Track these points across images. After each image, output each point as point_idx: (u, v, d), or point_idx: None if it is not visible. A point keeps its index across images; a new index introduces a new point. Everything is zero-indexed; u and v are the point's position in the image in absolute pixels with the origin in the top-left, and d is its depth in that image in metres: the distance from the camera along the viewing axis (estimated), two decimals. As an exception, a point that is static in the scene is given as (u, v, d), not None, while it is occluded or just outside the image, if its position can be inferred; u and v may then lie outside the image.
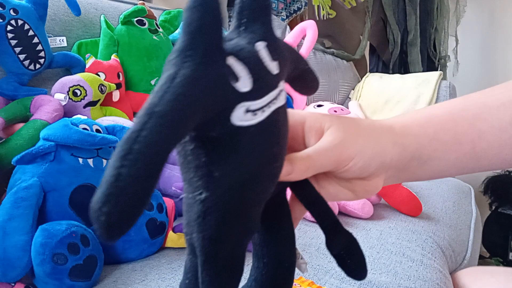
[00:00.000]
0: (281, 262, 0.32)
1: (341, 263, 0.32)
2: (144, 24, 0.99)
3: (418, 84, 1.38)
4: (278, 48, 0.27)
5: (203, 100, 0.22)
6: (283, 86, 0.28)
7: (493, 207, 1.82)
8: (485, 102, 0.31)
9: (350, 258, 0.32)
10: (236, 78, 0.24)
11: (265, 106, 0.26)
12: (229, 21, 1.86)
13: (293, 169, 0.29)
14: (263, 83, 0.26)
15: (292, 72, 0.31)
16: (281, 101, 0.27)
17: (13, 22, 0.76)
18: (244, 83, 0.24)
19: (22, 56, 0.78)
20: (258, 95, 0.25)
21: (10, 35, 0.76)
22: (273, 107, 0.26)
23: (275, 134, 0.27)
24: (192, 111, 0.22)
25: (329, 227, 0.32)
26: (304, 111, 0.32)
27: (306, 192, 0.32)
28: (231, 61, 0.24)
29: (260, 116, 0.25)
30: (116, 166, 0.19)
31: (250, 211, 0.27)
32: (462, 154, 0.32)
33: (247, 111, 0.25)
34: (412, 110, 0.34)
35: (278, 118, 0.27)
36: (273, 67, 0.26)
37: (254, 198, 0.27)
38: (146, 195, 0.19)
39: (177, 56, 0.23)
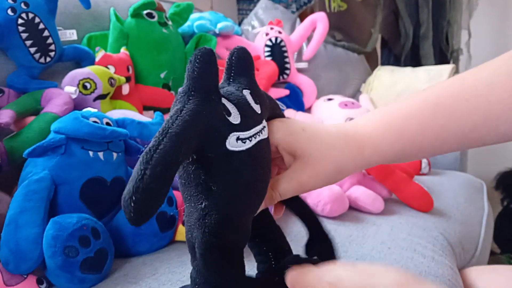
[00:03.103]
0: (281, 246, 0.39)
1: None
2: (154, 17, 0.98)
3: (431, 78, 1.36)
4: (259, 95, 0.35)
5: (204, 126, 0.29)
6: (265, 124, 0.35)
7: (505, 203, 1.80)
8: (454, 110, 0.33)
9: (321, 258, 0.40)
10: (229, 113, 0.31)
11: (252, 136, 0.32)
12: (238, 13, 1.84)
13: (266, 204, 0.36)
14: (249, 119, 0.33)
15: (270, 114, 0.38)
16: (264, 135, 0.34)
17: (24, 15, 0.76)
18: (235, 118, 0.31)
19: (33, 49, 0.78)
20: (246, 127, 0.32)
21: (21, 28, 0.76)
22: (258, 138, 0.33)
23: (260, 159, 0.33)
24: (195, 133, 0.28)
25: (312, 234, 0.40)
26: (276, 134, 0.37)
27: (291, 202, 0.40)
28: (225, 101, 0.32)
29: (248, 144, 0.32)
30: (141, 168, 0.25)
31: (241, 217, 0.32)
32: (422, 156, 0.37)
33: (238, 139, 0.31)
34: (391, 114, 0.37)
35: (263, 147, 0.34)
36: (257, 108, 0.34)
37: (244, 208, 0.32)
38: (164, 190, 0.26)
39: (183, 95, 0.30)
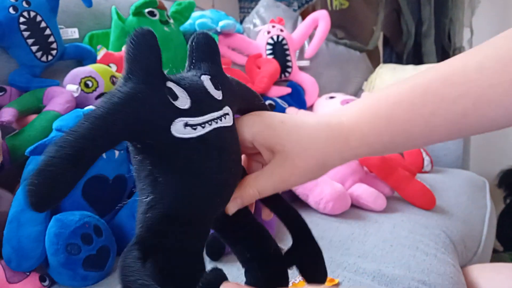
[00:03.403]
0: (266, 250, 0.35)
1: (298, 268, 0.35)
2: (155, 15, 0.98)
3: (433, 76, 1.35)
4: (224, 82, 0.33)
5: (140, 109, 0.27)
6: (229, 111, 0.32)
7: (508, 201, 1.80)
8: (444, 94, 0.32)
9: (302, 270, 0.35)
10: (175, 97, 0.28)
11: (205, 122, 0.29)
12: (240, 11, 1.84)
13: (243, 202, 0.33)
14: (204, 104, 0.30)
15: (244, 105, 0.35)
16: (227, 122, 0.31)
17: (25, 14, 0.76)
18: (182, 102, 0.29)
19: (34, 48, 0.78)
20: (197, 113, 0.29)
21: (22, 27, 0.76)
22: (215, 125, 0.30)
23: (219, 148, 0.30)
24: (124, 116, 0.26)
25: (295, 237, 0.36)
26: (252, 129, 0.34)
27: (275, 204, 0.36)
28: (171, 85, 0.29)
29: (200, 131, 0.29)
30: (51, 150, 0.24)
31: (191, 213, 0.29)
32: (412, 146, 0.35)
33: (186, 125, 0.28)
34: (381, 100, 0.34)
35: (223, 135, 0.30)
36: (216, 94, 0.31)
37: (195, 202, 0.29)
38: (70, 174, 0.24)
39: (121, 79, 0.28)
